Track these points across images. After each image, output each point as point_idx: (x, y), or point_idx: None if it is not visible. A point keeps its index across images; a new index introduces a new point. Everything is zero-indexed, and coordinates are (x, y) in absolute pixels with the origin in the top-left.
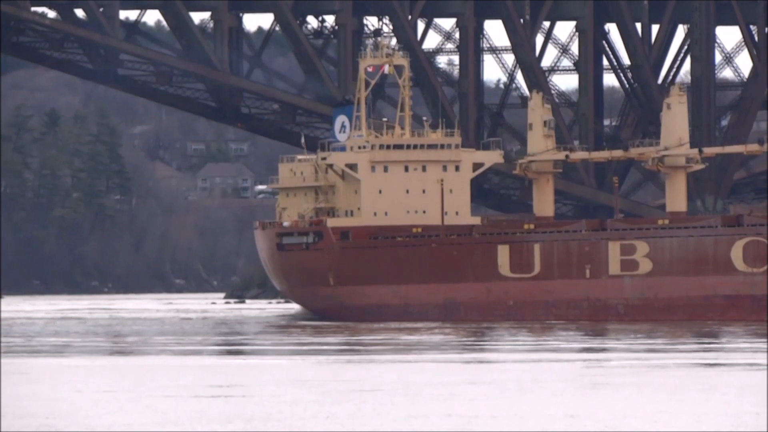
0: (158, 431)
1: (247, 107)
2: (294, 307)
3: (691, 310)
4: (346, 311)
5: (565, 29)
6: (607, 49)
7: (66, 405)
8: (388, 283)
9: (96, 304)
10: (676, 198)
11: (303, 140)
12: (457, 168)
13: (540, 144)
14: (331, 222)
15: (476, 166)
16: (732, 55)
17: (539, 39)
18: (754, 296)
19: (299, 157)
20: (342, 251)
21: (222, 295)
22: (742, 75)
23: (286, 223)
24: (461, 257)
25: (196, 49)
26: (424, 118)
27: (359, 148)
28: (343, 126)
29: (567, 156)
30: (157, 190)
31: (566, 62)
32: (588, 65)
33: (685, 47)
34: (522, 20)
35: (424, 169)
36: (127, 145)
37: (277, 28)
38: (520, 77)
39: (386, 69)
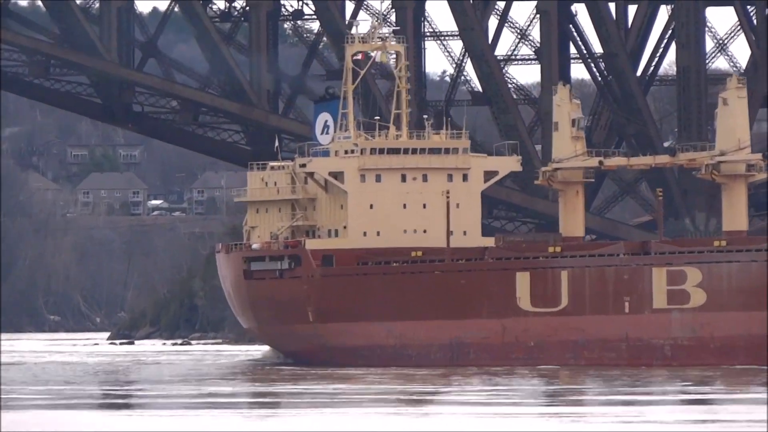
0: None
1: (140, 105)
2: (231, 350)
3: (755, 352)
4: (329, 354)
5: (523, 11)
6: (575, 34)
7: None
8: (381, 320)
9: None
10: (735, 214)
11: (276, 143)
12: (465, 177)
13: (568, 148)
14: (311, 244)
15: (488, 174)
16: (726, 41)
17: (492, 22)
18: None
19: (272, 164)
20: (324, 280)
21: (106, 334)
22: (738, 65)
23: (255, 246)
24: (471, 287)
25: (79, 35)
26: (425, 117)
27: (346, 152)
28: (325, 126)
29: (601, 162)
30: (29, 205)
31: (526, 50)
32: (551, 54)
33: (669, 32)
34: (472, 0)
35: (425, 178)
36: None
37: (176, 9)
38: (470, 68)
39: (378, 56)
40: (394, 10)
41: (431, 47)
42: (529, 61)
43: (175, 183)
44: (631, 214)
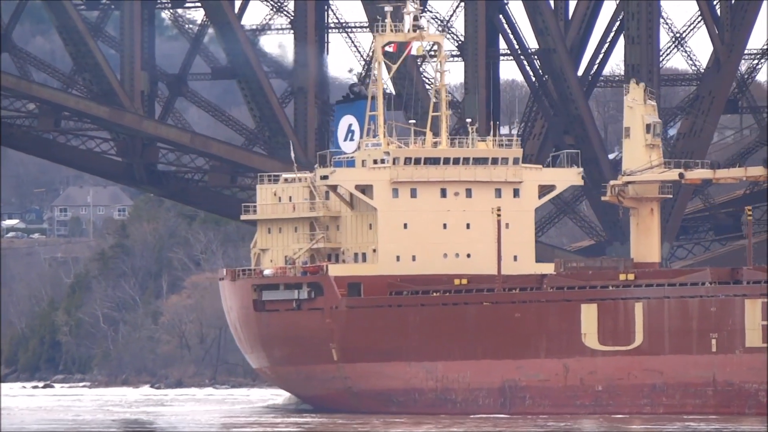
0: None
1: None
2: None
3: None
4: (356, 399)
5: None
6: (506, 27)
7: None
8: (419, 359)
9: None
10: None
11: (292, 149)
12: (516, 193)
13: (641, 158)
14: (335, 270)
15: (544, 189)
16: (684, 35)
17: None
18: None
19: (286, 175)
20: (350, 312)
21: None
22: (697, 63)
23: (267, 272)
24: (527, 322)
25: None
26: (468, 121)
27: (375, 162)
28: (350, 131)
29: (681, 175)
30: None
31: (448, 45)
32: (478, 49)
33: (617, 25)
34: None
35: (469, 193)
36: None
37: None
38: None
39: (414, 49)
40: None
41: (336, 40)
42: (451, 58)
43: (33, 200)
44: (569, 237)
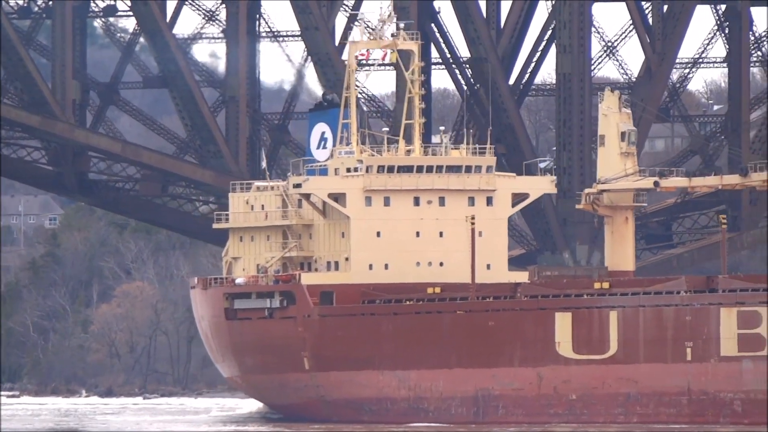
0: None
1: None
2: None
3: None
4: (328, 408)
5: (377, 8)
6: (437, 35)
7: None
8: (392, 368)
9: None
10: None
11: (264, 156)
12: (490, 201)
13: (616, 166)
14: (307, 278)
15: (517, 197)
16: (615, 44)
17: (340, 20)
18: None
19: (258, 183)
20: (323, 321)
21: None
22: (629, 72)
23: (239, 280)
24: (501, 330)
25: None
26: (441, 128)
27: (348, 170)
28: (322, 138)
29: (656, 183)
30: None
31: (379, 53)
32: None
33: (549, 33)
34: None
35: (442, 201)
36: None
37: None
38: (313, 74)
39: (387, 56)
40: (224, 5)
41: (268, 49)
42: (383, 67)
43: None
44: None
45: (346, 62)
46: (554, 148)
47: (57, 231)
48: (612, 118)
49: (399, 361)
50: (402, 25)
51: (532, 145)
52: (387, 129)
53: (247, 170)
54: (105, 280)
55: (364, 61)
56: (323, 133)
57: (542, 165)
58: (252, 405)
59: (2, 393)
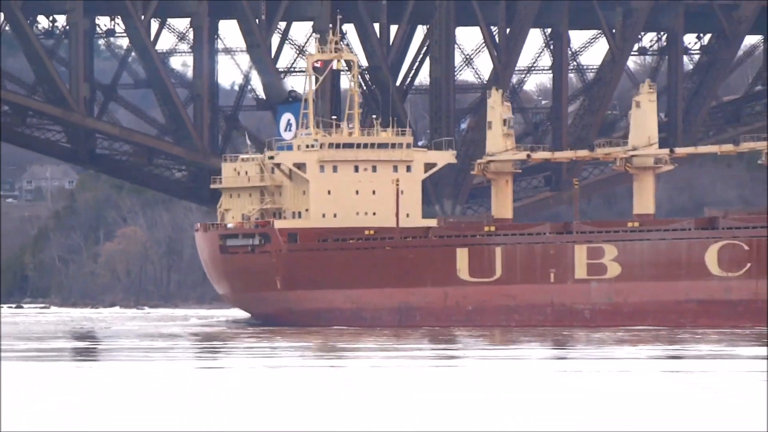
0: None
1: None
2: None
3: (662, 316)
4: (294, 316)
5: (302, 30)
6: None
7: None
8: (340, 287)
9: None
10: (645, 200)
11: (247, 137)
12: (408, 168)
13: (499, 143)
14: (279, 224)
15: (428, 166)
16: (472, 56)
17: (275, 39)
18: (729, 301)
19: (243, 156)
20: (290, 254)
21: None
22: (481, 77)
23: (230, 225)
24: (418, 260)
25: None
26: (374, 116)
27: (307, 147)
28: (288, 124)
29: (528, 156)
30: None
31: (303, 63)
32: (325, 67)
33: (425, 48)
34: (258, 20)
35: (374, 169)
36: None
37: (6, 28)
38: (256, 79)
39: (335, 64)
40: (192, 29)
41: (223, 60)
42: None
43: (8, 174)
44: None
45: (279, 70)
46: (428, 131)
47: (74, 191)
48: (497, 109)
49: (345, 283)
50: (346, 42)
51: (413, 130)
52: (335, 117)
53: (208, 147)
54: (109, 225)
55: (319, 68)
56: (289, 120)
57: (420, 143)
58: (238, 314)
59: (35, 305)
